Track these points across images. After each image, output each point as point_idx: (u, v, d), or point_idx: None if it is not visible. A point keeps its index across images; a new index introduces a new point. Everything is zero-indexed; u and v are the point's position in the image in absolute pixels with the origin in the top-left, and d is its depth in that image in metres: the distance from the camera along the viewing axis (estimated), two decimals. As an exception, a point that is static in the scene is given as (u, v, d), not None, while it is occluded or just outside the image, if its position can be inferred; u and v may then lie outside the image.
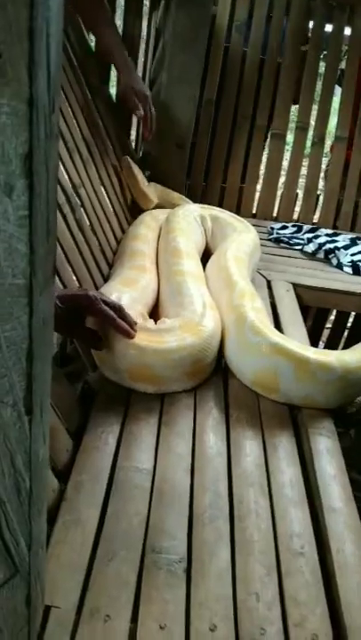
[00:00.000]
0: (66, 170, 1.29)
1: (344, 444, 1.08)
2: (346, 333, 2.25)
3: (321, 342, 2.32)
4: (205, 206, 1.74)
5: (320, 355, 1.10)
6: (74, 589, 0.72)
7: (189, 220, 1.58)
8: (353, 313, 2.10)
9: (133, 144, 1.99)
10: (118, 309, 1.00)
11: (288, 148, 2.16)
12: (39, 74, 0.30)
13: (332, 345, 2.26)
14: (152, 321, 1.15)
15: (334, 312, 2.18)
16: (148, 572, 0.76)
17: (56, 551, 0.76)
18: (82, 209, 1.33)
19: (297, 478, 0.96)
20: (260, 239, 1.72)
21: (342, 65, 2.15)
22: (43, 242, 0.37)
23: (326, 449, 1.03)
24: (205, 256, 1.56)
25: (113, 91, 1.80)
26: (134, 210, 1.76)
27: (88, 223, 1.36)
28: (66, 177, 1.28)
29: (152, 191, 1.74)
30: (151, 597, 0.73)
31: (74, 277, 1.17)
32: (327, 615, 0.74)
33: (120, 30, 1.70)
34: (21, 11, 0.27)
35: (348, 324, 2.26)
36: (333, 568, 0.81)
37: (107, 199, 1.55)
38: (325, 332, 2.35)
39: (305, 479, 0.97)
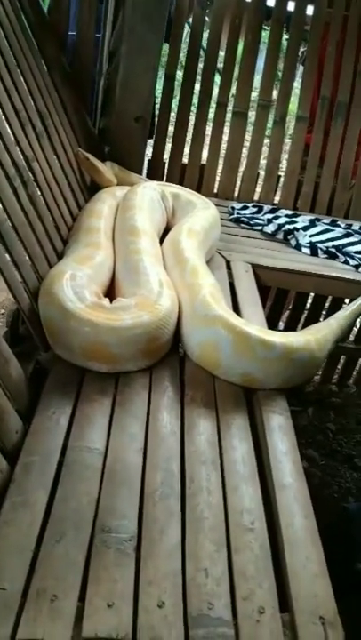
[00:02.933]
0: (17, 142, 1.23)
1: (302, 422, 1.10)
2: (305, 314, 2.28)
3: (281, 323, 2.34)
4: (165, 184, 1.72)
5: (262, 332, 1.10)
6: (20, 571, 0.71)
7: (149, 197, 1.55)
8: (312, 294, 2.12)
9: (91, 118, 1.93)
10: None
11: (250, 128, 2.14)
12: None
13: (291, 326, 2.29)
14: (107, 299, 1.13)
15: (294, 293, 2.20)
16: (98, 551, 0.75)
17: (3, 533, 0.74)
18: (35, 183, 1.28)
19: (249, 455, 0.97)
20: (221, 219, 1.72)
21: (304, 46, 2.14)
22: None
23: (279, 426, 1.05)
24: (166, 234, 1.54)
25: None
26: (92, 186, 1.72)
27: (42, 198, 1.32)
28: (17, 149, 1.23)
29: (111, 172, 1.70)
30: (100, 577, 0.72)
31: (25, 254, 1.13)
32: (275, 588, 0.76)
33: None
34: None
35: (308, 306, 2.28)
36: (282, 543, 0.82)
37: (62, 174, 1.50)
38: (286, 314, 2.37)
39: (257, 456, 0.98)
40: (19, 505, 0.79)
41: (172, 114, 2.04)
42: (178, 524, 0.82)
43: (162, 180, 1.94)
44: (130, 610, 0.69)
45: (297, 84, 2.17)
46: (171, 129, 2.04)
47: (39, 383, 1.04)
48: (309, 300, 2.24)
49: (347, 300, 2.04)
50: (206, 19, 2.22)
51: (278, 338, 1.11)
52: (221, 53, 2.08)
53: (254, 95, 2.12)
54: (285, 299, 2.23)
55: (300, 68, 2.17)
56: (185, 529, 0.81)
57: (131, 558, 0.75)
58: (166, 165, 2.08)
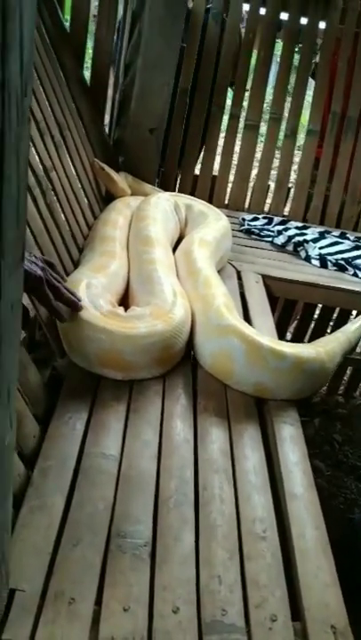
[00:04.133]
0: (37, 152, 1.26)
1: (308, 432, 1.12)
2: (312, 325, 2.30)
3: (288, 333, 2.36)
4: (178, 194, 1.74)
5: (274, 342, 1.12)
6: (39, 573, 0.72)
7: (162, 208, 1.57)
8: (319, 305, 2.14)
9: (107, 129, 1.96)
10: (60, 292, 1.01)
11: (261, 140, 2.17)
12: (11, 57, 0.30)
13: (298, 335, 2.31)
14: (122, 308, 1.15)
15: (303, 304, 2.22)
16: (113, 555, 0.77)
17: (21, 535, 0.76)
18: (53, 192, 1.31)
19: (261, 465, 0.99)
20: (232, 230, 1.74)
21: (317, 58, 2.17)
22: (12, 226, 0.37)
23: (290, 436, 1.06)
24: (179, 243, 1.56)
25: (87, 73, 1.77)
26: (107, 195, 1.75)
27: (59, 207, 1.35)
28: (37, 159, 1.25)
29: (125, 183, 1.73)
30: (116, 581, 0.74)
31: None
32: (286, 597, 0.77)
33: (95, 11, 1.67)
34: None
35: (315, 317, 2.30)
36: (294, 552, 0.83)
37: (79, 184, 1.53)
38: (294, 324, 2.39)
39: (269, 466, 0.99)
40: (36, 509, 0.80)
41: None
42: (191, 531, 0.83)
43: (174, 190, 1.97)
44: (145, 614, 0.71)
45: (308, 98, 2.20)
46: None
47: (55, 389, 1.06)
48: (317, 311, 2.26)
49: (354, 312, 2.06)
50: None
51: (289, 348, 1.13)
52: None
53: (266, 108, 2.15)
54: (293, 309, 2.25)
55: (312, 82, 2.20)
56: (198, 536, 0.83)
57: (146, 563, 0.77)
58: (179, 176, 2.11)
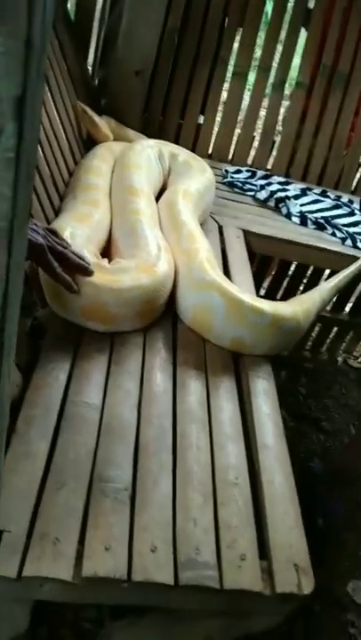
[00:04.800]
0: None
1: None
2: (286, 281, 2.33)
3: (262, 288, 2.39)
4: (163, 142, 1.70)
5: (255, 300, 1.15)
6: (25, 516, 0.76)
7: (146, 156, 1.54)
8: (295, 263, 2.16)
9: (90, 68, 1.87)
10: (67, 257, 0.98)
11: (249, 89, 2.11)
12: (37, 13, 0.29)
13: (272, 291, 2.34)
14: (106, 260, 1.14)
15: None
16: (95, 499, 0.81)
17: (8, 480, 0.78)
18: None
19: (235, 416, 1.03)
20: (215, 182, 1.72)
21: (311, 4, 2.08)
22: (24, 184, 0.37)
23: (263, 390, 1.11)
24: (162, 192, 1.54)
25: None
26: (88, 139, 1.69)
27: (40, 151, 1.30)
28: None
29: (107, 127, 1.67)
30: (98, 522, 0.78)
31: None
32: (255, 538, 0.83)
33: None
34: None
35: (290, 273, 2.33)
36: (263, 497, 0.89)
37: (60, 127, 1.48)
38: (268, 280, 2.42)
39: (242, 417, 1.04)
40: (21, 455, 0.83)
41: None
42: (169, 476, 0.87)
43: (157, 137, 1.91)
44: (125, 553, 0.76)
45: (299, 49, 2.14)
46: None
47: (36, 338, 1.06)
48: (292, 268, 2.29)
49: (327, 271, 2.10)
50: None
51: (269, 306, 1.15)
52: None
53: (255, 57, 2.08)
54: (270, 265, 2.27)
55: (303, 33, 2.12)
56: (175, 481, 0.87)
57: (126, 506, 0.81)
58: (162, 122, 2.04)
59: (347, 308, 2.38)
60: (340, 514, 1.72)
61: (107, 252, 1.25)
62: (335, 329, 2.46)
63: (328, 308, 2.32)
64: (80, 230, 1.15)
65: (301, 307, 1.26)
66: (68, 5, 1.74)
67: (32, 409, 0.90)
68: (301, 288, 2.30)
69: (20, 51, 0.29)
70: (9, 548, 0.71)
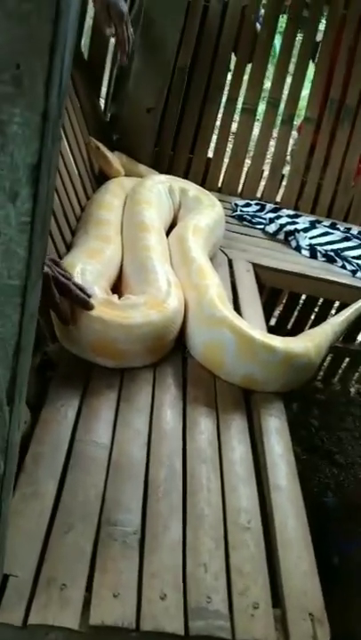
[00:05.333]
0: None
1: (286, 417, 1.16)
2: (296, 313, 2.33)
3: (273, 319, 2.39)
4: (173, 178, 1.73)
5: (266, 337, 1.14)
6: (31, 559, 0.74)
7: (157, 192, 1.56)
8: (304, 295, 2.16)
9: (102, 105, 1.92)
10: (69, 290, 0.99)
11: (259, 118, 2.15)
12: (54, 86, 0.30)
13: (282, 322, 2.34)
14: (116, 296, 1.15)
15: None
16: (104, 543, 0.79)
17: (14, 522, 0.77)
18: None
19: (247, 456, 1.02)
20: (225, 215, 1.74)
21: (318, 37, 2.13)
22: (39, 244, 0.37)
23: (275, 428, 1.09)
24: (172, 227, 1.56)
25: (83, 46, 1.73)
26: (100, 176, 1.72)
27: (53, 187, 1.33)
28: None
29: (119, 163, 1.70)
30: (106, 567, 0.76)
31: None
32: (268, 585, 0.81)
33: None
34: (45, 25, 0.27)
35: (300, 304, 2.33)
36: (276, 542, 0.87)
37: (72, 162, 1.51)
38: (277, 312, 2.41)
39: (254, 457, 1.02)
40: (29, 495, 0.82)
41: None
42: (179, 519, 0.86)
43: (167, 171, 1.95)
44: (134, 600, 0.74)
45: (307, 84, 2.18)
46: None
47: (46, 374, 1.06)
48: (301, 299, 2.29)
49: (337, 303, 2.09)
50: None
51: (280, 343, 1.15)
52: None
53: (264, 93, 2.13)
54: (279, 296, 2.27)
55: (311, 68, 2.17)
56: (186, 525, 0.86)
57: (135, 551, 0.79)
58: (172, 157, 2.08)
59: (359, 338, 2.37)
60: (356, 551, 1.67)
61: (117, 287, 1.26)
62: (347, 359, 2.43)
63: (339, 338, 2.30)
64: (91, 266, 1.16)
65: (313, 342, 1.25)
66: (82, 43, 1.80)
67: (40, 446, 0.89)
68: (312, 318, 2.29)
69: (37, 122, 0.30)
70: (15, 594, 0.70)
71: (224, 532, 0.86)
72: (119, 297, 1.16)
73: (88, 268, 1.14)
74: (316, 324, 1.90)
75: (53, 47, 0.27)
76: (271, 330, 1.43)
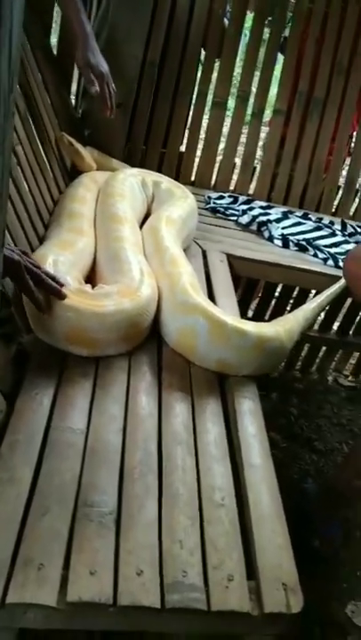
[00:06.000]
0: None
1: (266, 406, 1.18)
2: (273, 303, 2.36)
3: (250, 310, 2.42)
4: (145, 171, 1.74)
5: (238, 321, 1.17)
6: (8, 541, 0.75)
7: (130, 185, 1.58)
8: (280, 285, 2.19)
9: (73, 100, 1.93)
10: (40, 279, 1.00)
11: (230, 112, 2.18)
12: (1, 58, 0.31)
13: (260, 313, 2.37)
14: (89, 286, 1.16)
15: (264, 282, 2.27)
16: (80, 523, 0.80)
17: (-9, 506, 0.78)
18: (19, 167, 1.29)
19: (221, 437, 1.04)
20: (198, 208, 1.76)
21: (286, 32, 2.17)
22: (-5, 215, 0.38)
23: (249, 410, 1.12)
24: (145, 219, 1.57)
25: (54, 41, 1.73)
26: (72, 170, 1.73)
27: (24, 182, 1.33)
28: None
29: (91, 158, 1.71)
30: (82, 547, 0.78)
31: (9, 237, 1.15)
32: (243, 559, 0.83)
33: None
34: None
35: (276, 295, 2.37)
36: (250, 517, 0.89)
37: (44, 158, 1.51)
38: (255, 302, 2.45)
39: (228, 438, 1.05)
40: (5, 481, 0.83)
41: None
42: (155, 499, 0.87)
43: (140, 166, 1.96)
44: (111, 577, 0.75)
45: (276, 75, 2.21)
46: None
47: (21, 364, 1.07)
48: (278, 290, 2.33)
49: (313, 291, 2.13)
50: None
51: (252, 327, 1.17)
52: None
53: (234, 85, 2.16)
54: (256, 287, 2.30)
55: (280, 60, 2.20)
56: (161, 504, 0.87)
57: (111, 530, 0.81)
58: (145, 152, 2.10)
59: (334, 327, 2.41)
60: (336, 534, 1.71)
61: (91, 279, 1.27)
62: (324, 348, 2.48)
63: (316, 327, 2.35)
64: (63, 257, 1.17)
65: (284, 327, 1.27)
66: (52, 39, 1.80)
67: (16, 434, 0.90)
68: (288, 309, 2.32)
69: (-16, 92, 0.31)
70: (-7, 575, 0.71)
71: (199, 510, 0.88)
72: (93, 287, 1.17)
73: (60, 259, 1.15)
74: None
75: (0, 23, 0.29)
76: (249, 320, 1.45)
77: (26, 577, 0.72)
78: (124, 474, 0.90)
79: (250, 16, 2.20)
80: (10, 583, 0.71)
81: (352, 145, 2.33)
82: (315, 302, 1.54)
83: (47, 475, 0.86)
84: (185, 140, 2.15)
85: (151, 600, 0.74)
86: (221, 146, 2.18)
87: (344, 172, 2.36)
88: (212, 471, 0.95)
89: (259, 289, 2.36)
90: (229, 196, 2.10)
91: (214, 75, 2.12)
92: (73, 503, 0.83)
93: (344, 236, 2.04)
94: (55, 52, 1.74)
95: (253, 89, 2.14)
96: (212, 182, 2.20)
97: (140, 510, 0.85)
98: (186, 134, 2.16)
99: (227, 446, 1.02)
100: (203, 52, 2.11)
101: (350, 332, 2.38)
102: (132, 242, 1.32)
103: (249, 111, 2.17)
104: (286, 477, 1.96)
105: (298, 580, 0.83)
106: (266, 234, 1.89)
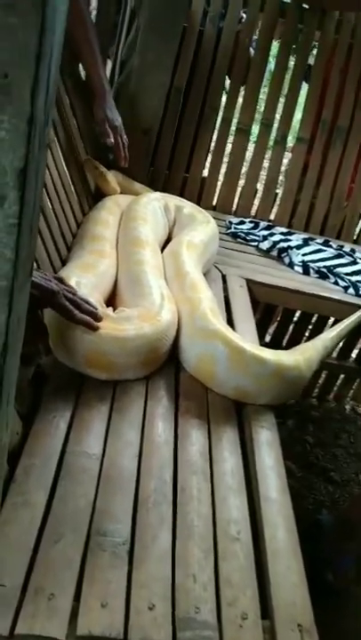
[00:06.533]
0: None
1: (281, 434, 1.16)
2: (291, 329, 2.34)
3: (268, 335, 2.40)
4: (168, 195, 1.76)
5: (257, 349, 1.16)
6: (20, 569, 0.74)
7: (153, 209, 1.59)
8: (298, 312, 2.18)
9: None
10: (78, 304, 1.02)
11: (253, 139, 2.20)
12: (40, 94, 0.32)
13: (277, 338, 2.35)
14: (110, 309, 1.16)
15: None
16: (93, 553, 0.79)
17: (4, 530, 0.78)
18: (44, 189, 1.31)
19: (238, 467, 1.02)
20: (219, 232, 1.77)
21: (310, 60, 2.19)
22: (26, 246, 0.39)
23: (266, 441, 1.10)
24: (167, 243, 1.59)
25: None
26: (96, 193, 1.75)
27: (49, 204, 1.35)
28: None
29: (115, 181, 1.74)
30: (94, 577, 0.76)
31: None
32: (257, 596, 0.81)
33: (95, 7, 1.67)
34: (32, 37, 0.29)
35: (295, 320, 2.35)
36: (266, 553, 0.87)
37: (69, 180, 1.54)
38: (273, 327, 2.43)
39: (245, 468, 1.03)
40: (19, 505, 0.82)
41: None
42: (169, 530, 0.86)
43: (163, 190, 1.98)
44: (122, 610, 0.73)
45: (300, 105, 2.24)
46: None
47: (39, 386, 1.07)
48: (296, 315, 2.31)
49: (331, 319, 2.11)
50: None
51: (271, 355, 1.16)
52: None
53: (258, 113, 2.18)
54: (274, 312, 2.29)
55: (304, 88, 2.22)
56: (175, 535, 0.86)
57: (124, 561, 0.79)
58: (168, 176, 2.12)
59: (353, 355, 2.38)
60: (349, 568, 1.66)
61: (112, 301, 1.28)
62: (342, 376, 2.44)
63: (334, 355, 2.32)
64: (85, 279, 1.17)
65: (303, 355, 1.26)
66: (80, 66, 1.84)
67: (31, 458, 0.90)
68: (307, 334, 2.30)
69: (24, 128, 0.32)
70: (2, 603, 0.70)
71: (213, 543, 0.86)
72: (113, 310, 1.17)
73: (83, 282, 1.16)
74: (310, 341, 1.92)
75: (39, 57, 0.29)
76: (266, 346, 1.44)
77: (36, 607, 0.71)
78: (138, 502, 0.89)
79: (275, 44, 2.24)
80: (20, 613, 0.70)
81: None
82: (334, 331, 1.52)
83: (61, 500, 0.85)
84: (208, 165, 2.18)
85: (162, 636, 0.72)
86: (243, 170, 2.20)
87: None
88: (227, 503, 0.94)
89: (277, 314, 2.34)
90: (250, 222, 2.11)
91: (239, 100, 2.15)
92: (86, 531, 0.82)
93: (365, 264, 2.02)
94: (83, 78, 1.78)
95: (277, 116, 2.16)
96: (234, 207, 2.21)
97: (153, 541, 0.83)
98: (209, 159, 2.18)
99: (243, 477, 1.00)
100: (228, 80, 2.14)
101: (369, 361, 2.34)
102: (153, 265, 1.33)
103: (272, 139, 2.19)
104: (301, 508, 1.92)
105: (313, 621, 0.80)
106: (286, 260, 1.88)
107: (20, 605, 0.71)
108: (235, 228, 2.01)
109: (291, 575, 0.85)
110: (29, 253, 0.40)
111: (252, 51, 2.10)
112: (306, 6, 2.04)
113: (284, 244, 1.94)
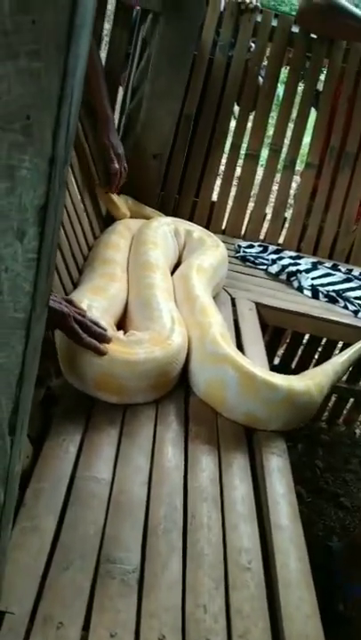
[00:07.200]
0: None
1: (291, 458, 1.15)
2: (300, 352, 2.34)
3: (277, 357, 2.40)
4: (178, 220, 1.78)
5: (268, 374, 1.15)
6: (29, 596, 0.73)
7: (163, 233, 1.61)
8: (307, 335, 2.18)
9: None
10: (87, 327, 1.02)
11: (262, 163, 2.23)
12: (61, 134, 0.33)
13: (286, 361, 2.34)
14: (121, 332, 1.17)
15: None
16: (102, 581, 0.78)
17: (13, 556, 0.77)
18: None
19: (248, 494, 1.01)
20: (228, 256, 1.78)
21: (319, 86, 2.23)
22: (44, 279, 0.39)
23: (277, 468, 1.09)
24: (177, 266, 1.60)
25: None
26: (107, 217, 1.78)
27: (62, 228, 1.37)
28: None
29: (125, 206, 1.77)
30: (104, 606, 0.75)
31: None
32: (269, 628, 0.79)
33: (106, 39, 1.71)
34: (54, 80, 0.30)
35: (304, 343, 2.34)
36: (277, 583, 0.86)
37: (81, 204, 1.56)
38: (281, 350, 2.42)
39: (256, 496, 1.02)
40: (29, 530, 0.82)
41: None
42: (179, 558, 0.85)
43: (172, 214, 2.01)
44: (131, 641, 0.72)
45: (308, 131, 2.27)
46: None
47: (49, 408, 1.07)
48: (305, 338, 2.31)
49: (340, 343, 2.11)
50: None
51: (282, 381, 1.16)
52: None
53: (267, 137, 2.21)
54: (282, 335, 2.29)
55: (312, 114, 2.26)
56: (185, 564, 0.85)
57: (133, 590, 0.79)
58: (178, 201, 2.15)
59: (363, 379, 2.36)
60: (359, 595, 1.62)
61: (122, 324, 1.28)
62: (352, 400, 2.42)
63: (344, 378, 2.30)
64: (96, 302, 1.19)
65: (314, 380, 1.25)
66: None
67: (41, 482, 0.89)
68: (316, 357, 2.30)
69: (45, 167, 0.33)
70: (10, 633, 0.69)
71: (224, 572, 0.85)
72: (124, 333, 1.18)
73: (94, 305, 1.17)
74: (319, 364, 1.91)
75: (61, 100, 0.31)
76: (275, 369, 1.44)
77: (44, 636, 0.70)
78: (148, 529, 0.88)
79: (284, 70, 2.28)
80: (28, 642, 0.69)
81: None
82: (345, 355, 1.52)
83: (71, 526, 0.84)
84: (217, 190, 2.20)
85: (172, 669, 0.70)
86: (253, 197, 2.22)
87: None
88: (238, 531, 0.92)
89: (286, 336, 2.34)
90: (259, 245, 2.12)
91: (248, 125, 2.18)
92: (95, 558, 0.81)
93: (374, 287, 2.02)
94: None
95: (286, 141, 2.19)
96: (243, 231, 2.23)
97: (163, 569, 0.82)
98: (218, 183, 2.21)
99: (254, 505, 0.99)
100: (237, 108, 2.18)
101: (379, 385, 2.32)
102: (164, 289, 1.34)
103: (281, 164, 2.21)
104: (311, 534, 1.88)
105: (327, 655, 0.78)
106: (295, 284, 1.89)
107: (28, 635, 0.70)
108: (244, 252, 2.03)
109: (303, 606, 0.83)
110: (47, 286, 0.41)
111: (260, 80, 2.14)
112: (314, 36, 2.08)
113: (293, 268, 1.95)
